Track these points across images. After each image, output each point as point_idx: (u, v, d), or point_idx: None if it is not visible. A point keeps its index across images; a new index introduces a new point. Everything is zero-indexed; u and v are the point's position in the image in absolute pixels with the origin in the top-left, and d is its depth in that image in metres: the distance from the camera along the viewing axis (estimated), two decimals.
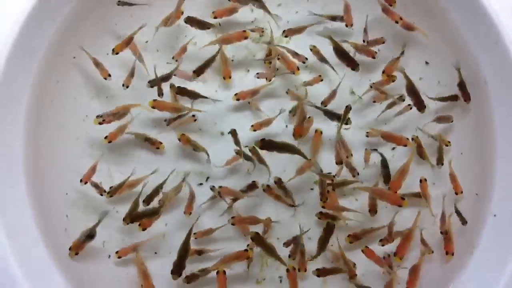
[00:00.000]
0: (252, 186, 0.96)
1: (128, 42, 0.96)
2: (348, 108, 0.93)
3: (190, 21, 0.98)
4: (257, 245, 0.90)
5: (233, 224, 0.93)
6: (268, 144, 0.91)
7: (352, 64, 0.96)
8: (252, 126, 0.97)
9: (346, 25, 0.98)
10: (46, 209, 0.92)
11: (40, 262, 0.87)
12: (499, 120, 0.90)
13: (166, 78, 0.96)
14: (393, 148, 0.99)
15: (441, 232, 0.93)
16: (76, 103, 0.98)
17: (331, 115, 0.94)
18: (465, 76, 0.95)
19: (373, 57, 0.99)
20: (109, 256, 0.95)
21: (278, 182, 0.96)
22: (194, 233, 0.93)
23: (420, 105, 0.95)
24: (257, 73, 0.99)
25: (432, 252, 0.92)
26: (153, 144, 0.98)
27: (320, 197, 0.94)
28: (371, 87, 0.98)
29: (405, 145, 0.94)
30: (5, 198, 0.86)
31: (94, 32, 0.99)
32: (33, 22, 0.88)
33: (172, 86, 0.98)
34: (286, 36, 0.99)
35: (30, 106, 0.91)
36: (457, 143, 0.96)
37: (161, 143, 0.98)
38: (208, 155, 0.96)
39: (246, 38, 0.98)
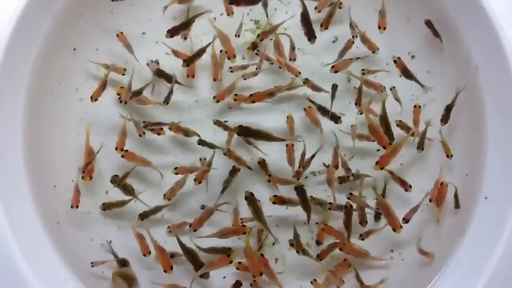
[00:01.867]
0: (234, 171, 0.97)
1: (104, 85, 0.97)
2: (334, 86, 0.96)
3: (175, 31, 0.97)
4: (249, 205, 0.92)
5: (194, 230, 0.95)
6: (245, 131, 0.92)
7: (309, 35, 0.97)
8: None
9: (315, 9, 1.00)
10: (45, 196, 0.93)
11: (39, 244, 0.89)
12: (490, 104, 0.91)
13: (138, 92, 0.97)
14: None
15: (403, 218, 0.95)
16: (76, 93, 0.99)
17: (323, 111, 0.96)
18: (457, 62, 0.96)
19: (374, 52, 1.00)
20: (110, 242, 0.96)
21: (262, 162, 0.98)
22: (169, 226, 0.96)
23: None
24: (230, 67, 0.99)
25: None
26: (153, 131, 0.97)
27: (295, 174, 0.96)
28: (363, 73, 0.99)
29: (384, 147, 0.92)
30: (6, 185, 0.87)
31: (92, 22, 0.99)
32: (31, 12, 0.89)
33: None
34: (261, 40, 0.99)
35: (29, 96, 0.92)
36: (449, 128, 0.97)
37: (161, 128, 0.97)
38: (199, 136, 0.97)
39: (231, 59, 0.98)
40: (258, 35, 0.99)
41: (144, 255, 0.94)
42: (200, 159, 0.99)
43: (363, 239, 0.95)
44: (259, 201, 0.94)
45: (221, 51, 0.99)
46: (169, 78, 0.98)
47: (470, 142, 0.95)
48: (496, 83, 0.90)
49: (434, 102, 0.99)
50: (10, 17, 0.87)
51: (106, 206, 0.96)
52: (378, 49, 0.99)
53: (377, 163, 0.91)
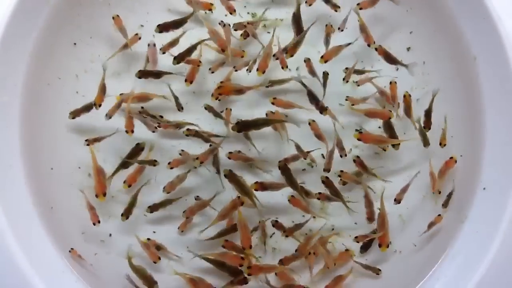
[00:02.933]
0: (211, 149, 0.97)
1: (103, 89, 0.95)
2: (325, 74, 0.96)
3: (165, 28, 0.96)
4: (231, 182, 0.92)
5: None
6: (244, 125, 0.92)
7: (299, 32, 0.97)
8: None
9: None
10: (42, 187, 0.93)
11: (36, 236, 0.89)
12: (488, 95, 0.91)
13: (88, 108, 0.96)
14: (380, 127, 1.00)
15: (394, 199, 0.95)
16: (74, 85, 0.98)
17: (312, 97, 0.95)
18: (455, 52, 0.96)
19: (369, 45, 0.99)
20: (110, 235, 0.96)
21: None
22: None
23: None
24: (210, 68, 0.98)
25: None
26: (154, 117, 0.96)
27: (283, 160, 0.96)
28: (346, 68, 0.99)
29: (390, 118, 0.95)
30: (3, 177, 0.87)
31: (90, 15, 0.99)
32: (27, 3, 0.88)
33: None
34: (235, 30, 0.99)
35: (26, 88, 0.91)
36: (447, 120, 0.97)
37: (161, 116, 0.97)
38: (193, 124, 0.97)
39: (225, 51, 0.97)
40: (235, 23, 0.99)
41: (155, 262, 0.94)
42: (180, 154, 0.98)
43: (358, 242, 0.95)
44: (241, 176, 0.94)
45: (224, 25, 0.98)
46: (156, 74, 0.97)
47: (468, 132, 0.95)
48: (494, 73, 0.90)
49: (429, 94, 0.98)
50: (5, 8, 0.86)
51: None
52: (374, 42, 0.98)
53: (360, 133, 0.93)
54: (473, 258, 0.87)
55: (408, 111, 0.97)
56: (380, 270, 0.94)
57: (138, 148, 0.96)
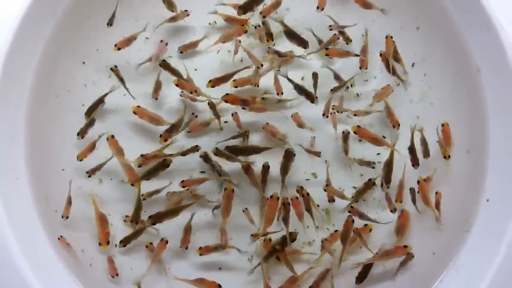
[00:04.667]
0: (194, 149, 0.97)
1: (92, 148, 0.96)
2: (315, 74, 0.96)
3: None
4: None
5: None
6: (232, 150, 0.94)
7: (303, 44, 0.98)
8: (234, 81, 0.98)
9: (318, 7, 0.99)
10: (47, 199, 0.94)
11: (37, 240, 0.90)
12: (492, 108, 0.91)
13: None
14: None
15: (391, 210, 0.96)
16: (80, 97, 0.99)
17: (300, 90, 0.96)
18: (459, 64, 0.96)
19: (360, 68, 1.00)
20: (116, 245, 0.95)
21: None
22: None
23: (304, 45, 0.98)
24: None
25: None
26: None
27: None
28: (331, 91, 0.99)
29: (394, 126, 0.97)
30: (9, 190, 0.88)
31: (95, 25, 1.00)
32: (32, 16, 0.89)
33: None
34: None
35: (31, 101, 0.92)
36: (453, 130, 0.96)
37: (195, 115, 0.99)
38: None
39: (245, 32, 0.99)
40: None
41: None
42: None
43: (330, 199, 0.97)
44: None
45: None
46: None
47: (471, 143, 0.95)
48: (498, 84, 0.89)
49: (432, 106, 0.99)
50: (11, 22, 0.87)
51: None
52: (366, 68, 1.00)
53: (358, 127, 0.94)
54: (478, 269, 0.86)
55: (396, 55, 0.98)
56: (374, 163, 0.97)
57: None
